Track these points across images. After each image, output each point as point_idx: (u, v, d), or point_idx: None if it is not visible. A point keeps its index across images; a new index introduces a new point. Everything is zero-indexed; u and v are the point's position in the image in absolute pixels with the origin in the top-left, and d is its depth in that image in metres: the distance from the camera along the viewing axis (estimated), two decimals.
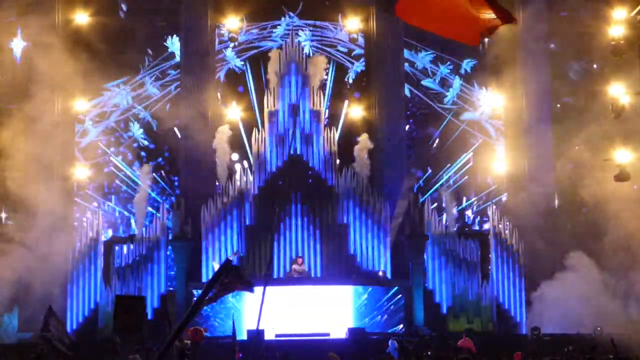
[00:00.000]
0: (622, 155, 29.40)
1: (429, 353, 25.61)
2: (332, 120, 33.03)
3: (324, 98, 31.62)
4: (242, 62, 34.35)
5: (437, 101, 34.50)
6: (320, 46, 34.57)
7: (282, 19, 34.55)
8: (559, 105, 33.33)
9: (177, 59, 33.78)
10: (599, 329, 27.70)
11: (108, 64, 32.80)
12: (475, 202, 34.31)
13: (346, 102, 34.20)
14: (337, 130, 32.16)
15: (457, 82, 34.71)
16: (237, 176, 30.80)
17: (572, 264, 29.58)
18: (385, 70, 33.08)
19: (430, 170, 34.24)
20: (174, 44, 34.16)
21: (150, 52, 33.99)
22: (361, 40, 34.41)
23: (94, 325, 29.68)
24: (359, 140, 31.12)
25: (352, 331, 28.37)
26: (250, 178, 30.73)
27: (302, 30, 34.40)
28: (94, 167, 33.25)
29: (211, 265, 29.75)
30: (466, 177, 34.28)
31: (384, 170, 32.36)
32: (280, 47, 32.37)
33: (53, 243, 29.80)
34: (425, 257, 31.05)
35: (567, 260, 29.52)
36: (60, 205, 30.66)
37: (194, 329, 24.93)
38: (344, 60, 34.61)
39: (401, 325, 30.08)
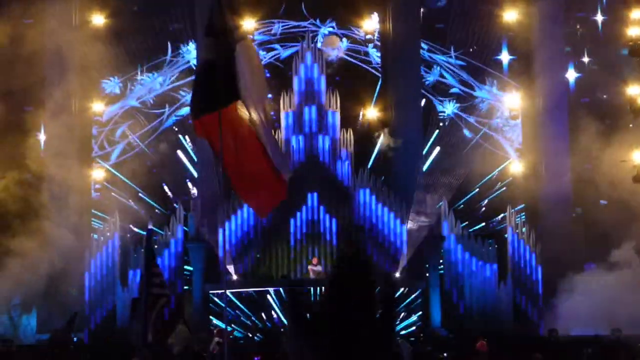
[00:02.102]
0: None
1: (445, 354, 25.33)
2: (350, 121, 32.62)
3: (338, 99, 31.13)
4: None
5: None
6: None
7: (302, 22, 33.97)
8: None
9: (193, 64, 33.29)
10: (617, 331, 26.88)
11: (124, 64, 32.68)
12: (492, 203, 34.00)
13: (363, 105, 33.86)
14: (354, 132, 31.73)
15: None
16: None
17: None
18: (402, 74, 32.58)
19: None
20: (189, 51, 33.72)
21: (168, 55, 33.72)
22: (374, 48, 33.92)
23: (112, 324, 29.43)
24: (381, 135, 31.16)
25: None
26: None
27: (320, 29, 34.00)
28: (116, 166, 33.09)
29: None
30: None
31: (400, 171, 31.89)
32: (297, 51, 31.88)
33: (70, 242, 29.38)
34: (442, 257, 30.72)
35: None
36: (78, 205, 30.44)
37: (219, 330, 24.58)
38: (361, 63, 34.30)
39: (414, 327, 29.73)
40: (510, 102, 33.58)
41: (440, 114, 33.64)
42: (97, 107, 32.68)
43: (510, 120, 33.92)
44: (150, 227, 20.73)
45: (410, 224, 30.17)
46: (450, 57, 34.00)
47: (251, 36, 33.16)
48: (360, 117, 33.38)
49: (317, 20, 33.68)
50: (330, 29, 33.70)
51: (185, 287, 30.29)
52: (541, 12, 32.05)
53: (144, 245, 18.14)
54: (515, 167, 33.23)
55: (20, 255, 28.99)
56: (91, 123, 32.66)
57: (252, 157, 13.43)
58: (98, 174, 32.56)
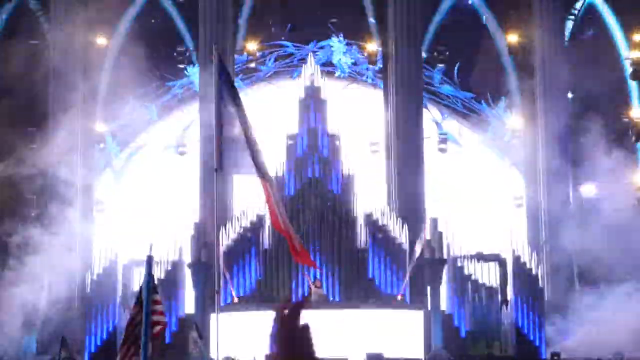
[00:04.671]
0: None
1: None
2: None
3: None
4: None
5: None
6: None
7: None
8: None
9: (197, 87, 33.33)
10: (620, 355, 27.04)
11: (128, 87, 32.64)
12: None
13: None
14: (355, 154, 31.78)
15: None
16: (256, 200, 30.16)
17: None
18: (403, 92, 32.41)
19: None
20: (195, 73, 33.85)
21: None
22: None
23: (112, 347, 28.74)
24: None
25: (370, 356, 27.59)
26: None
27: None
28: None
29: (229, 290, 29.08)
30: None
31: (401, 193, 31.77)
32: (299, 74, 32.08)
33: (72, 265, 29.58)
34: (443, 280, 30.38)
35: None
36: (79, 225, 30.47)
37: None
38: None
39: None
40: (513, 123, 33.54)
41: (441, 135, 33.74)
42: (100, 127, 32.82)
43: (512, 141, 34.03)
44: (149, 254, 20.03)
45: (412, 246, 30.08)
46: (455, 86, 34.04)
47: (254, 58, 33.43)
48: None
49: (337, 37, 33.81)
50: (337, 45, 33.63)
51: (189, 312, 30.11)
52: (543, 36, 32.03)
53: (145, 272, 17.64)
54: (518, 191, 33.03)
55: (23, 280, 28.98)
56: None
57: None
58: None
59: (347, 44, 34.28)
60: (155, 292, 16.51)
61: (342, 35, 34.01)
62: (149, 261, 16.90)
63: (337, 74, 34.10)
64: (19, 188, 30.51)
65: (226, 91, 19.41)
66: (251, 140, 18.87)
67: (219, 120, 19.24)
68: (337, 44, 34.28)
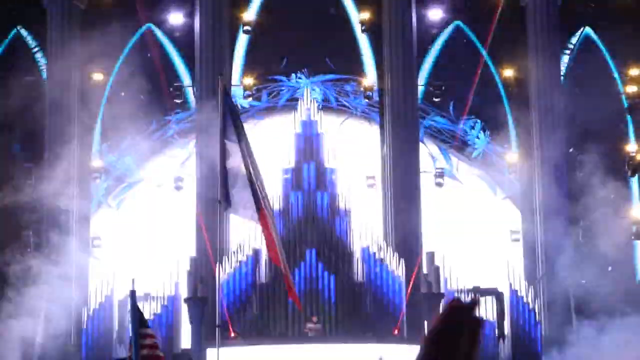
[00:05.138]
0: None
1: None
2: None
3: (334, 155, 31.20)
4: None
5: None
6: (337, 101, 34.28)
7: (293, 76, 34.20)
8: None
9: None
10: None
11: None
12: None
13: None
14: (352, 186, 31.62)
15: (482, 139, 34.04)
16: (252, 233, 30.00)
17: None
18: (399, 126, 32.35)
19: None
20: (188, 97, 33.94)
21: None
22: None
23: None
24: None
25: None
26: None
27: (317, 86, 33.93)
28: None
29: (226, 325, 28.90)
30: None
31: (398, 227, 31.53)
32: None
33: (68, 297, 29.53)
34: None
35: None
36: (76, 258, 30.30)
37: None
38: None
39: None
40: (510, 157, 33.44)
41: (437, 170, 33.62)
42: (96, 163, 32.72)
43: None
44: (132, 289, 20.09)
45: (408, 281, 29.85)
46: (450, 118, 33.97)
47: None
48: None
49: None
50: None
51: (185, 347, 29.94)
52: (538, 70, 31.96)
53: (130, 306, 17.54)
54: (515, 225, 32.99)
55: (20, 312, 28.73)
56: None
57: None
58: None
59: (342, 79, 34.21)
60: (145, 326, 16.41)
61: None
62: (132, 295, 16.93)
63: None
64: (18, 218, 30.53)
65: (231, 123, 19.38)
66: (255, 172, 18.89)
67: (223, 153, 19.22)
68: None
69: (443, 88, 33.21)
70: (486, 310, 29.98)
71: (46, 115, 31.22)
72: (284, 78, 34.02)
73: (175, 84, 33.23)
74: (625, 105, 30.51)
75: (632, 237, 29.26)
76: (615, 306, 29.72)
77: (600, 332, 29.24)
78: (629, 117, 31.87)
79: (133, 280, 16.75)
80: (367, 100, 33.49)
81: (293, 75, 33.94)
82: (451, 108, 33.78)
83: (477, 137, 33.57)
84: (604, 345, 28.95)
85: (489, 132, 33.72)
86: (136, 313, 16.09)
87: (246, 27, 33.11)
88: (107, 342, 29.35)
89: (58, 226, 30.26)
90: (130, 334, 16.12)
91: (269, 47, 33.38)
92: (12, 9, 32.10)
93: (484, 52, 33.43)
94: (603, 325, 29.34)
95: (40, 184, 30.41)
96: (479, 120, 33.78)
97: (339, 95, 33.84)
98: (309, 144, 30.97)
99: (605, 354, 28.54)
